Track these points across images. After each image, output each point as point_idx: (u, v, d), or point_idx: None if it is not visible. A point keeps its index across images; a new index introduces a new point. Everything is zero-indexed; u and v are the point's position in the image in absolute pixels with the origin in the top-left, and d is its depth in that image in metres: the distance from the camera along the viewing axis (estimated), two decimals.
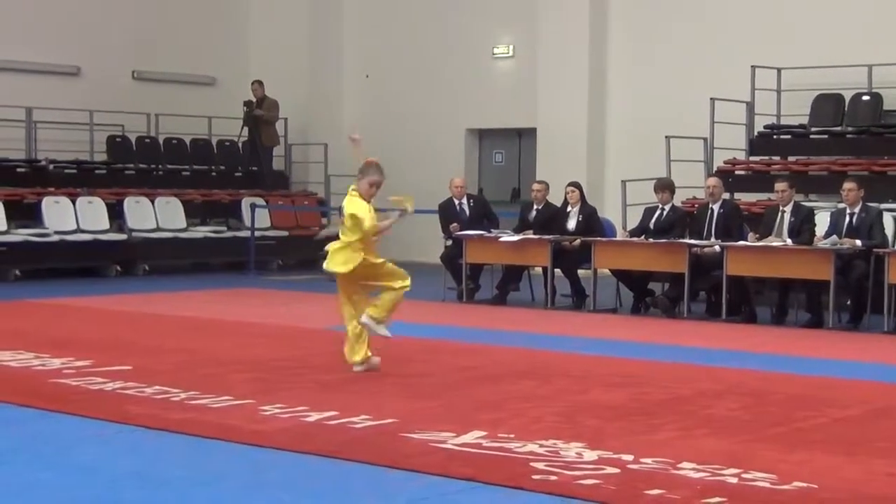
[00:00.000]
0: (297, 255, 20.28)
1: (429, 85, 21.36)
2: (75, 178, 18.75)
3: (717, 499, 5.43)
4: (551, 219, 14.49)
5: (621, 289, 14.00)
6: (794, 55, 16.78)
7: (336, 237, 8.96)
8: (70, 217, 17.63)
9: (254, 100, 20.60)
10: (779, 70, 16.95)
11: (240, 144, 20.99)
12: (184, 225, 18.97)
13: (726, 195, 14.56)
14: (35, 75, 19.67)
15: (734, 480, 5.76)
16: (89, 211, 17.90)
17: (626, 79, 19.14)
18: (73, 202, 17.81)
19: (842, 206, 12.87)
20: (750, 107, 16.92)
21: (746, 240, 12.86)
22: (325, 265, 8.95)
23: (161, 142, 20.46)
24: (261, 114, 20.45)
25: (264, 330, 11.69)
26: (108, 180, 19.14)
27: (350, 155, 9.21)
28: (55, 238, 17.25)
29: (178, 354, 9.83)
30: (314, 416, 7.16)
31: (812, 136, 16.55)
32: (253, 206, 19.14)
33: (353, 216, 8.70)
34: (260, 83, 20.62)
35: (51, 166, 18.72)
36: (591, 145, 19.26)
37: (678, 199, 14.54)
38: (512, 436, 6.66)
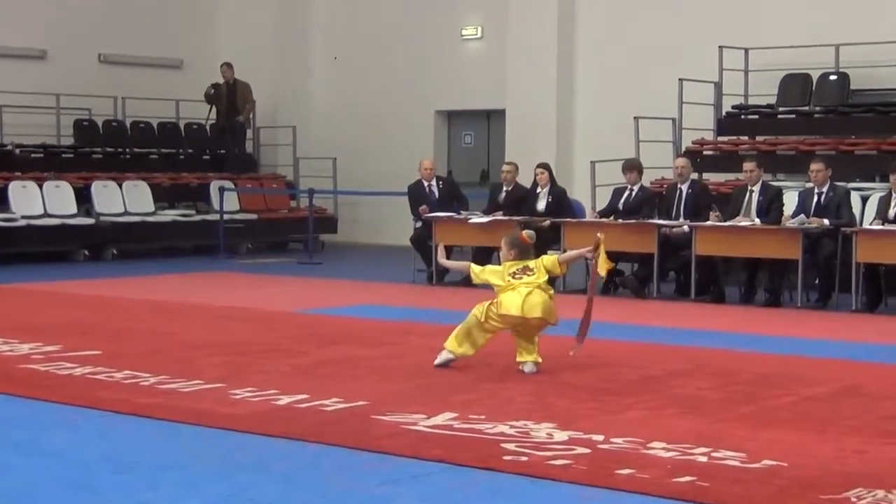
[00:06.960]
0: (267, 237, 20.25)
1: (397, 66, 21.30)
2: (42, 163, 18.61)
3: (688, 478, 5.45)
4: (521, 200, 14.51)
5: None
6: (762, 35, 16.81)
7: None
8: (37, 201, 17.49)
9: (222, 82, 20.52)
10: (746, 50, 16.99)
11: (207, 127, 20.91)
12: (152, 209, 18.86)
13: (695, 175, 14.59)
14: (0, 59, 19.50)
15: (704, 459, 5.79)
16: (56, 195, 17.77)
17: (595, 60, 19.14)
18: (41, 186, 17.67)
19: (810, 185, 12.93)
20: (718, 87, 16.96)
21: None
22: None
23: (128, 125, 20.31)
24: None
25: (234, 313, 11.64)
26: (75, 164, 19.01)
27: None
28: (22, 223, 17.10)
29: (147, 339, 9.78)
30: (285, 400, 7.14)
31: (780, 116, 16.59)
32: (221, 190, 19.03)
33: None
34: (229, 65, 20.52)
35: (17, 151, 18.57)
36: (560, 126, 19.25)
37: (647, 180, 14.59)
38: (483, 417, 6.66)
